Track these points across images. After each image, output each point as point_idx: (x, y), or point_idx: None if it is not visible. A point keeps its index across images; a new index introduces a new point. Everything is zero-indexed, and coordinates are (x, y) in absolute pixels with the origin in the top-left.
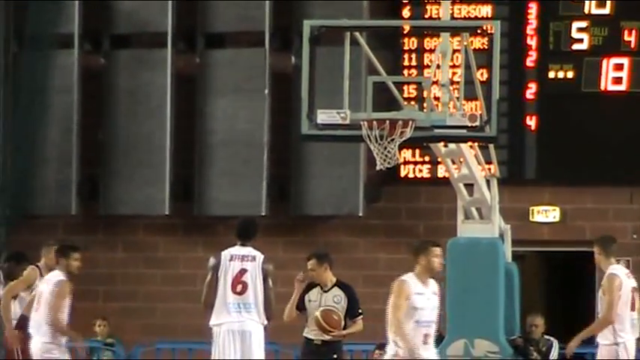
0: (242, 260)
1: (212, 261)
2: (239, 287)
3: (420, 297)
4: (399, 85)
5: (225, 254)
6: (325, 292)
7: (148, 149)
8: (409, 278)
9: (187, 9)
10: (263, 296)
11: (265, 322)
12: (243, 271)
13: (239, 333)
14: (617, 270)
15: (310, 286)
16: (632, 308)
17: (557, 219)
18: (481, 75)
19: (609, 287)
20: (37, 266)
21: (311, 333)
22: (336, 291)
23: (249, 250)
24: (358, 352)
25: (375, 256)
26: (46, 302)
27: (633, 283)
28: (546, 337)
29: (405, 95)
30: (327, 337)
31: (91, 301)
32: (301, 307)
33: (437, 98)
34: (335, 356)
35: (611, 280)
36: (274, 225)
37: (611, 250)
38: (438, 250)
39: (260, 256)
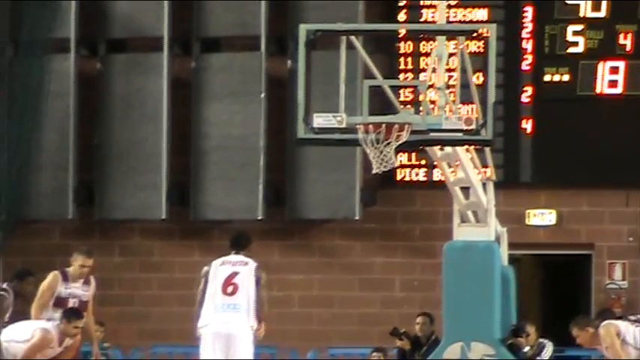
0: (234, 264)
1: (205, 269)
2: (229, 288)
3: None
4: (395, 89)
5: (217, 261)
6: None
7: (144, 154)
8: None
9: (183, 14)
10: (255, 300)
11: (255, 326)
12: (234, 274)
13: (225, 336)
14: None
15: None
16: None
17: (553, 222)
18: (477, 78)
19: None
20: (64, 271)
21: None
22: None
23: (241, 257)
24: (355, 356)
25: (371, 260)
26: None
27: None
28: (540, 340)
29: (401, 99)
30: None
31: None
32: None
33: (433, 102)
34: None
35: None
36: (270, 229)
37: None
38: None
39: (253, 263)
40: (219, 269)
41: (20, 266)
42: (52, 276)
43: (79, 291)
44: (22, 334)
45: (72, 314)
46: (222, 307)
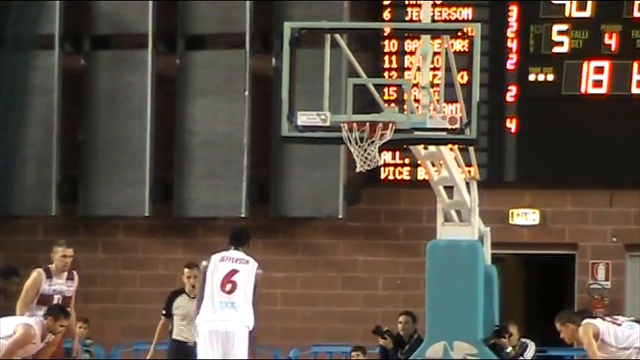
0: (234, 262)
1: (203, 264)
2: (228, 286)
3: None
4: (380, 88)
5: (216, 255)
6: (192, 299)
7: (128, 150)
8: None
9: (168, 10)
10: (253, 299)
11: (252, 325)
12: (234, 272)
13: (223, 334)
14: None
15: (179, 292)
16: None
17: (536, 222)
18: (461, 77)
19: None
20: (46, 268)
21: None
22: None
23: (242, 255)
24: (337, 354)
25: (355, 258)
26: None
27: None
28: (522, 339)
29: (386, 97)
30: None
31: None
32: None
33: (417, 100)
34: None
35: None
36: (254, 226)
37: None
38: None
39: (254, 262)
40: (218, 265)
41: (5, 264)
42: (36, 274)
43: (63, 287)
44: (5, 329)
45: (60, 312)
46: (220, 305)
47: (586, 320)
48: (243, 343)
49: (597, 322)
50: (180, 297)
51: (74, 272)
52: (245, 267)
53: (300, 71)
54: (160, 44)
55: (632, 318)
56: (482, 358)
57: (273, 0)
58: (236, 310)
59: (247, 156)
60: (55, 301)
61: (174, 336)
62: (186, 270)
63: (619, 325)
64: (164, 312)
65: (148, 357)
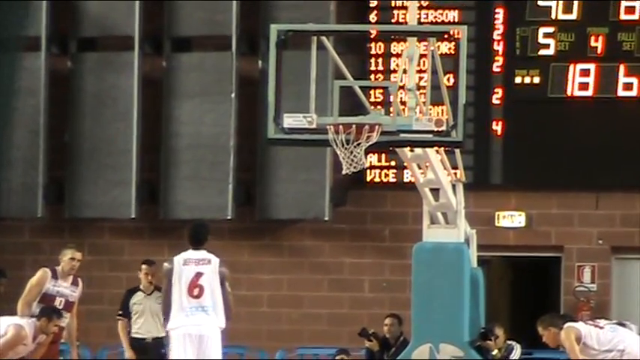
0: (197, 264)
1: (166, 266)
2: (196, 291)
3: None
4: (366, 90)
5: (178, 259)
6: (148, 295)
7: (115, 152)
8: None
9: (154, 12)
10: (221, 299)
11: (223, 326)
12: (199, 275)
13: (196, 337)
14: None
15: (134, 290)
16: None
17: (522, 224)
18: (448, 80)
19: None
20: (53, 269)
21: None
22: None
23: (203, 254)
24: (324, 356)
25: (341, 260)
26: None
27: None
28: (508, 342)
29: (372, 100)
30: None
31: None
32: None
33: (403, 103)
34: (163, 351)
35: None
36: (240, 229)
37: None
38: None
39: (215, 260)
40: (182, 269)
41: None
42: (42, 272)
43: (66, 290)
44: None
45: (53, 312)
46: (190, 310)
47: (568, 324)
48: (217, 345)
49: (579, 325)
50: (135, 294)
51: (79, 279)
52: (208, 267)
53: (287, 73)
54: (146, 46)
55: (614, 322)
56: None
57: (259, 2)
58: (207, 314)
59: (233, 158)
60: (56, 303)
61: (133, 334)
62: (144, 266)
63: (601, 328)
64: (120, 312)
65: (126, 357)
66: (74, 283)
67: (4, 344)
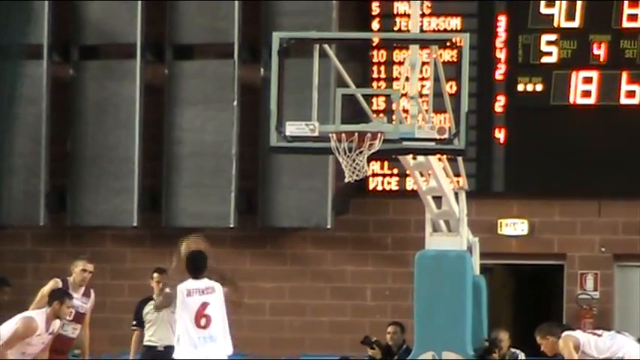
0: (202, 293)
1: (167, 291)
2: (203, 321)
3: None
4: (368, 98)
5: (182, 289)
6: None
7: (116, 160)
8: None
9: (156, 20)
10: (227, 326)
11: (231, 352)
12: (205, 305)
13: None
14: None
15: (147, 300)
16: None
17: (525, 232)
18: (450, 87)
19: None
20: (64, 279)
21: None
22: None
23: (206, 283)
24: None
25: (343, 269)
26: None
27: None
28: (512, 349)
29: (374, 107)
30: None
31: None
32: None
33: (406, 111)
34: None
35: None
36: (242, 237)
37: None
38: None
39: (219, 287)
40: (187, 301)
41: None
42: (53, 282)
43: (77, 302)
44: (8, 327)
45: (65, 295)
46: (199, 341)
47: (566, 332)
48: None
49: (577, 333)
50: (148, 304)
51: (91, 290)
52: (214, 297)
53: (289, 81)
54: (148, 54)
55: (612, 332)
56: None
57: (261, 9)
58: (215, 343)
59: (235, 166)
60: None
61: (145, 342)
62: (155, 275)
63: (599, 336)
64: (135, 322)
65: None
66: (86, 295)
67: (13, 337)
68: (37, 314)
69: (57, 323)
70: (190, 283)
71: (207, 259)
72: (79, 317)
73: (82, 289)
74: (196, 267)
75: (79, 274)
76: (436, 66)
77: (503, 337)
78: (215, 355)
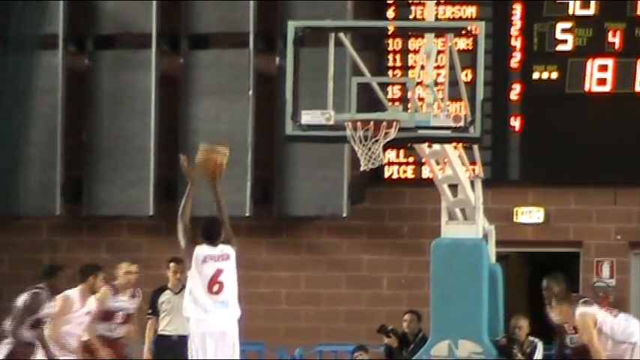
0: (217, 260)
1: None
2: (215, 287)
3: None
4: (384, 86)
5: (198, 254)
6: (176, 294)
7: (132, 150)
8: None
9: (171, 10)
10: (236, 290)
11: (239, 314)
12: (219, 272)
13: (218, 334)
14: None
15: (162, 289)
16: None
17: (541, 220)
18: (465, 76)
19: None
20: (112, 286)
21: (166, 330)
22: None
23: (221, 249)
24: (342, 353)
25: (359, 257)
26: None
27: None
28: (530, 338)
29: (390, 96)
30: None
31: None
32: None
33: (421, 99)
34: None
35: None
36: (258, 226)
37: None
38: None
39: (233, 253)
40: (202, 267)
41: (48, 263)
42: (103, 291)
43: (126, 304)
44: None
45: (95, 268)
46: (211, 306)
47: (582, 309)
48: (237, 340)
49: (594, 310)
50: (163, 293)
51: (137, 290)
52: (228, 264)
53: (304, 70)
54: (163, 44)
55: (627, 314)
56: (487, 358)
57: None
58: (227, 308)
59: (251, 155)
60: (117, 319)
61: (160, 331)
62: (172, 264)
63: (615, 316)
64: (150, 311)
65: (144, 357)
66: (133, 295)
67: (56, 317)
68: (71, 291)
69: (92, 302)
70: (205, 249)
71: (222, 224)
72: (127, 318)
73: (129, 291)
74: (211, 234)
75: (123, 277)
76: (451, 54)
77: (523, 323)
78: (227, 320)
